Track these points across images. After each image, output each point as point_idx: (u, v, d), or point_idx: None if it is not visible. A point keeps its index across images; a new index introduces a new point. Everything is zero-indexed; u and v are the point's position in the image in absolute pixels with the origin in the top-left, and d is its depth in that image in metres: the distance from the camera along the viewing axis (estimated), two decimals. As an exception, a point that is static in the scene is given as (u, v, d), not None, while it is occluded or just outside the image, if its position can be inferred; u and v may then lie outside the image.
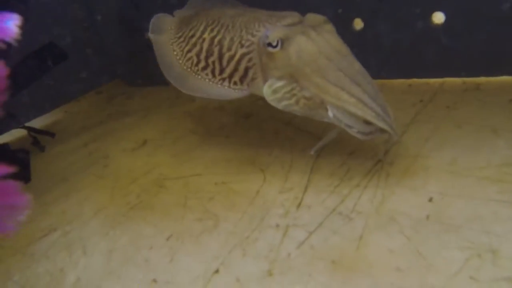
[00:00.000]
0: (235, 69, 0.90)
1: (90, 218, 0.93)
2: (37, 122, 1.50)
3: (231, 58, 0.90)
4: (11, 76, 1.17)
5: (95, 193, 1.03)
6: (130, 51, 1.64)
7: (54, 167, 1.20)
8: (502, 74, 1.06)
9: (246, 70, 0.89)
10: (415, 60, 1.15)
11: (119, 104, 1.58)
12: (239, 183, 0.92)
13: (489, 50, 1.05)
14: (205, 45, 0.96)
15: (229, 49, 0.91)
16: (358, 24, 1.16)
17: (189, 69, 0.98)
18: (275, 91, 0.84)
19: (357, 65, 0.81)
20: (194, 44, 0.98)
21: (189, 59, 0.99)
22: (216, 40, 0.94)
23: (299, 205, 0.81)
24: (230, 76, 0.91)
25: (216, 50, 0.93)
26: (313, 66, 0.79)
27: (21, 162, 1.08)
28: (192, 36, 1.00)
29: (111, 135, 1.32)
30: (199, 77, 0.96)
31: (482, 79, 1.08)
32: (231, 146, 1.08)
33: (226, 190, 0.91)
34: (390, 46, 1.15)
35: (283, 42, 0.81)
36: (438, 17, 1.07)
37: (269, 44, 0.82)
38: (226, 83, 0.92)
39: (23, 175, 1.08)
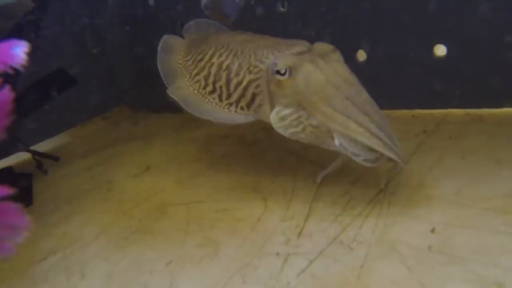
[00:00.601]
0: (242, 95, 0.91)
1: (91, 241, 0.93)
2: (43, 146, 1.51)
3: (239, 83, 0.91)
4: (20, 100, 1.19)
5: (97, 217, 1.02)
6: (137, 78, 1.66)
7: (57, 190, 1.20)
8: (505, 106, 1.07)
9: (253, 96, 0.90)
10: (418, 91, 1.16)
11: (124, 129, 1.59)
12: (240, 210, 0.92)
13: (492, 82, 1.05)
14: (213, 70, 0.97)
15: (237, 75, 0.92)
16: (361, 55, 1.18)
17: (196, 91, 0.99)
18: (282, 119, 0.84)
19: (364, 95, 0.81)
20: (202, 68, 1.00)
21: (196, 81, 1.00)
22: (224, 65, 0.95)
23: (300, 233, 0.80)
24: (237, 101, 0.92)
25: (224, 75, 0.94)
26: (320, 94, 0.79)
27: (23, 185, 1.08)
28: (201, 60, 1.02)
29: (115, 160, 1.32)
30: (206, 100, 0.97)
31: (485, 111, 1.09)
32: (234, 173, 1.08)
33: (228, 217, 0.91)
34: (393, 77, 1.17)
35: (291, 70, 0.82)
36: (441, 50, 1.09)
37: (278, 72, 0.83)
38: (233, 108, 0.93)
39: (25, 198, 1.08)
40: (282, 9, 1.25)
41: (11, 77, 0.61)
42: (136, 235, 0.91)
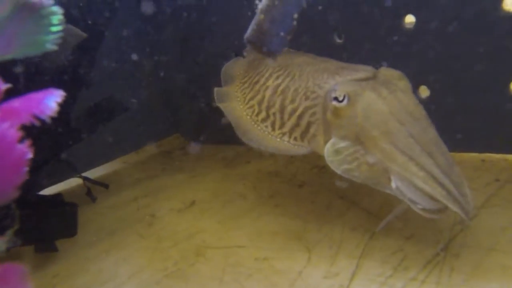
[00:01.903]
0: (297, 124, 0.85)
1: (124, 281, 0.89)
2: (96, 172, 1.54)
3: (294, 111, 0.85)
4: (72, 127, 1.20)
5: (135, 254, 0.99)
6: (192, 108, 1.65)
7: (102, 220, 1.20)
8: None
9: (308, 125, 0.83)
10: (490, 131, 1.02)
11: (175, 159, 1.58)
12: (281, 261, 0.84)
13: None
14: (268, 94, 0.91)
15: (292, 101, 0.86)
16: (424, 92, 1.07)
17: (249, 117, 0.94)
18: (337, 152, 0.76)
19: (431, 132, 0.72)
20: (257, 92, 0.94)
21: (250, 107, 0.95)
22: (279, 90, 0.89)
23: (344, 295, 0.71)
24: (291, 131, 0.86)
25: (278, 100, 0.88)
26: (381, 128, 0.71)
27: (68, 215, 1.08)
28: (256, 82, 0.97)
29: (162, 192, 1.30)
30: (259, 128, 0.91)
31: None
32: (280, 217, 1.01)
33: (267, 267, 0.83)
34: (460, 114, 1.04)
35: (350, 97, 0.74)
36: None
37: (335, 99, 0.76)
38: (286, 137, 0.87)
39: (69, 229, 1.08)
40: (338, 41, 1.17)
41: (33, 128, 0.58)
42: (169, 279, 0.86)
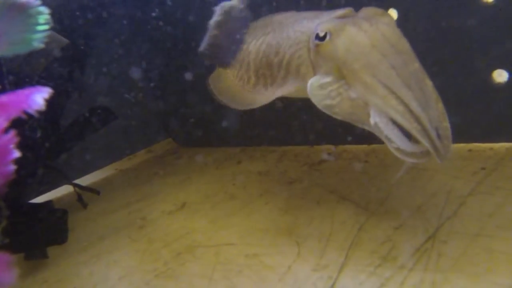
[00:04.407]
0: (287, 72, 0.83)
1: (114, 283, 0.89)
2: (88, 179, 1.54)
3: (280, 62, 0.84)
4: (62, 135, 1.20)
5: (126, 256, 0.99)
6: (182, 113, 1.65)
7: (93, 225, 1.19)
8: None
9: (298, 68, 0.81)
10: (476, 121, 1.03)
11: (167, 163, 1.57)
12: (271, 257, 0.84)
13: None
14: (252, 57, 0.90)
15: (277, 54, 0.85)
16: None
17: (242, 88, 0.94)
18: (320, 87, 0.74)
19: (415, 66, 0.69)
20: (242, 60, 0.94)
21: (240, 78, 0.94)
22: (262, 49, 0.88)
23: (332, 286, 0.71)
24: (284, 82, 0.84)
25: (263, 59, 0.87)
26: (362, 60, 0.69)
27: (58, 222, 1.07)
28: (241, 55, 0.96)
29: (153, 196, 1.30)
30: (254, 92, 0.91)
31: (559, 146, 0.94)
32: (270, 214, 1.00)
33: (257, 263, 0.83)
34: (445, 105, 1.04)
35: (331, 33, 0.73)
36: (502, 76, 0.96)
37: (317, 37, 0.74)
38: (279, 91, 0.86)
39: (60, 235, 1.08)
40: None
41: (23, 121, 0.59)
42: (158, 280, 0.86)
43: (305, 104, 1.27)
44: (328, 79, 0.73)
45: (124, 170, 1.59)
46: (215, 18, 0.98)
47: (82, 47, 1.30)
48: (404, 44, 0.71)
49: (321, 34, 0.74)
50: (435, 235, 0.76)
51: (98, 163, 1.61)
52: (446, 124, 0.68)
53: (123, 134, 1.62)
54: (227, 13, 0.99)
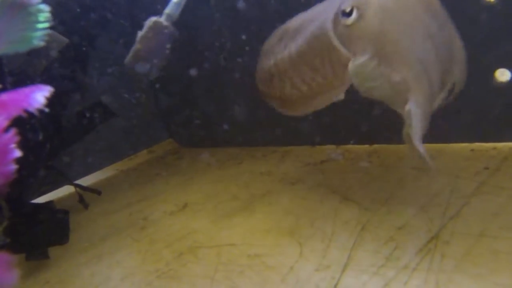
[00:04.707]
0: (333, 64, 0.79)
1: (116, 284, 0.88)
2: (89, 179, 1.54)
3: (322, 60, 0.80)
4: (62, 132, 1.20)
5: (127, 257, 0.98)
6: (184, 113, 1.65)
7: (95, 226, 1.19)
8: None
9: (339, 57, 0.76)
10: (479, 121, 1.02)
11: (169, 164, 1.57)
12: (273, 257, 0.83)
13: None
14: (292, 73, 0.87)
15: (315, 56, 0.81)
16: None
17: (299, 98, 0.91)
18: (361, 66, 0.69)
19: (448, 27, 0.66)
20: (282, 83, 0.91)
21: (291, 94, 0.91)
22: (296, 60, 0.85)
23: (335, 286, 0.70)
24: (335, 73, 0.80)
25: (305, 68, 0.84)
26: (399, 29, 0.65)
27: (60, 222, 1.07)
28: (271, 78, 0.93)
29: (155, 196, 1.29)
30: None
31: None
32: (272, 214, 1.00)
33: (259, 264, 0.82)
34: (447, 106, 1.04)
35: (358, 7, 0.67)
36: (505, 75, 0.95)
37: (344, 14, 0.69)
38: (337, 80, 0.82)
39: (61, 236, 1.07)
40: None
41: (23, 120, 0.59)
42: (160, 280, 0.85)
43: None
44: (364, 58, 0.68)
45: (125, 171, 1.59)
46: (140, 33, 1.03)
47: (82, 47, 1.30)
48: (438, 4, 0.67)
49: (348, 10, 0.68)
50: (438, 235, 0.76)
51: (100, 163, 1.61)
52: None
53: (124, 135, 1.62)
54: (151, 29, 1.04)
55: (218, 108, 1.54)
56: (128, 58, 1.06)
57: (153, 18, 1.05)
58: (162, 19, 1.06)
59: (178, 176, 1.42)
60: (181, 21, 1.44)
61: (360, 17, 0.68)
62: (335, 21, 0.73)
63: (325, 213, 0.93)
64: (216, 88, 1.49)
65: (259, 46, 1.03)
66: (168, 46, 1.06)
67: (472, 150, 1.02)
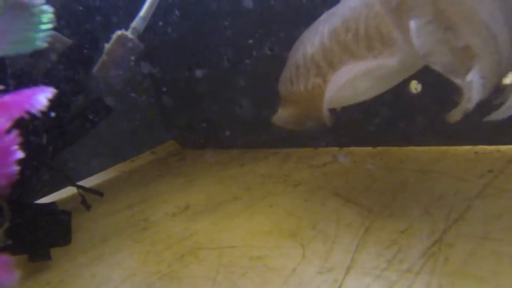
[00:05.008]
0: (370, 39, 0.71)
1: (117, 285, 0.88)
2: (92, 180, 1.54)
3: (356, 35, 0.73)
4: (64, 131, 1.21)
5: (128, 258, 0.98)
6: (187, 115, 1.65)
7: (96, 226, 1.19)
8: None
9: (379, 29, 0.70)
10: (482, 123, 1.01)
11: (171, 165, 1.57)
12: (275, 259, 0.83)
13: None
14: (320, 56, 0.80)
15: (347, 30, 0.74)
16: (414, 86, 1.06)
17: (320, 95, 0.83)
18: (422, 28, 0.62)
19: None
20: (307, 71, 0.85)
21: (313, 86, 0.84)
22: (326, 41, 0.78)
23: (338, 289, 0.70)
24: (370, 50, 0.72)
25: (335, 47, 0.77)
26: None
27: (62, 223, 1.07)
28: (297, 69, 0.87)
29: (156, 197, 1.29)
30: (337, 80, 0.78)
31: None
32: (273, 216, 1.00)
33: (261, 266, 0.82)
34: (450, 109, 1.03)
35: None
36: (509, 78, 0.95)
37: None
38: (373, 63, 0.73)
39: (63, 237, 1.07)
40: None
41: (25, 121, 0.59)
42: (162, 281, 0.85)
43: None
44: (423, 20, 0.62)
45: (128, 172, 1.59)
46: (107, 45, 1.10)
47: (86, 48, 1.30)
48: None
49: None
50: (442, 238, 0.75)
51: (102, 165, 1.61)
52: None
53: (127, 136, 1.62)
54: (117, 41, 1.10)
55: (221, 110, 1.53)
56: (95, 68, 1.12)
57: (119, 32, 1.11)
58: (128, 33, 1.13)
59: (180, 177, 1.42)
60: (182, 22, 1.45)
61: None
62: None
63: (328, 216, 0.93)
64: (219, 90, 1.49)
65: (263, 49, 1.03)
66: (133, 58, 1.12)
67: (476, 152, 1.02)
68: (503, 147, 1.00)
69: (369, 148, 1.22)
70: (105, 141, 1.53)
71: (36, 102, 0.57)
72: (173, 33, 1.51)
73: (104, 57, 1.10)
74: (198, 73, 1.51)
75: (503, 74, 0.60)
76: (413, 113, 1.05)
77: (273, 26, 1.26)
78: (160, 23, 1.51)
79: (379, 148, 1.20)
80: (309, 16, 0.95)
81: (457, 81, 0.62)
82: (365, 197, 0.96)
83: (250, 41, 1.31)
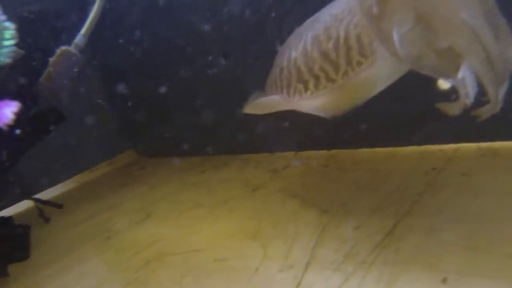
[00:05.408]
0: (349, 49, 0.72)
1: (83, 296, 0.89)
2: (49, 193, 1.51)
3: (337, 42, 0.73)
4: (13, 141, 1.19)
5: (94, 268, 0.99)
6: (145, 124, 1.66)
7: (57, 239, 1.18)
8: (519, 138, 1.00)
9: (359, 39, 0.70)
10: (426, 125, 1.10)
11: (131, 174, 1.57)
12: (239, 260, 0.86)
13: (505, 113, 0.99)
14: (300, 61, 0.80)
15: (328, 38, 0.74)
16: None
17: (302, 101, 0.84)
18: (405, 38, 0.63)
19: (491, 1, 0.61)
20: (289, 74, 0.84)
21: (295, 91, 0.83)
22: (308, 46, 0.78)
23: (299, 284, 0.74)
24: (349, 61, 0.72)
25: (316, 54, 0.77)
26: None
27: (20, 238, 1.05)
28: (281, 72, 0.87)
29: (119, 206, 1.30)
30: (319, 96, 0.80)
31: (499, 144, 1.02)
32: (235, 219, 1.03)
33: (225, 267, 0.85)
34: (399, 111, 1.11)
35: None
36: (444, 83, 1.03)
37: None
38: (350, 73, 0.73)
39: (22, 251, 1.06)
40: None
41: None
42: (129, 288, 0.86)
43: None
44: (408, 26, 0.63)
45: (87, 183, 1.58)
46: (52, 58, 1.22)
47: (39, 58, 1.30)
48: None
49: None
50: (392, 231, 0.81)
51: (59, 176, 1.59)
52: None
53: (84, 146, 1.60)
54: (61, 55, 1.22)
55: (180, 118, 1.55)
56: (41, 78, 1.21)
57: (63, 47, 1.23)
58: (71, 48, 1.26)
59: (141, 185, 1.43)
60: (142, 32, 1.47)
61: None
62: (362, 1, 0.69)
63: (287, 217, 0.98)
64: (178, 98, 1.51)
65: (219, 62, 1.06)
66: (76, 69, 1.25)
67: (421, 152, 1.10)
68: (445, 146, 1.09)
69: (324, 151, 1.28)
70: (61, 152, 1.51)
71: (3, 117, 0.58)
72: (136, 47, 1.52)
73: (50, 69, 1.21)
74: (158, 83, 1.53)
75: (501, 69, 0.60)
76: (360, 116, 1.12)
77: (228, 45, 1.31)
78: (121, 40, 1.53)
79: (333, 151, 1.27)
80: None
81: (449, 81, 0.64)
82: (322, 198, 1.01)
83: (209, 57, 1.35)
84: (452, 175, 0.96)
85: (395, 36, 0.64)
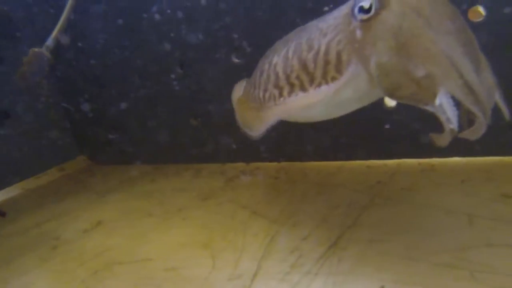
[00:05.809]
0: (327, 63, 0.72)
1: (26, 308, 0.86)
2: (-9, 200, 1.45)
3: (316, 54, 0.74)
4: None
5: (36, 279, 0.96)
6: (96, 130, 1.63)
7: None
8: (454, 155, 1.08)
9: (339, 56, 0.71)
10: (372, 141, 1.16)
11: (80, 182, 1.54)
12: (189, 269, 0.87)
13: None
14: (280, 67, 0.81)
15: (310, 49, 0.75)
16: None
17: (275, 107, 0.83)
18: (383, 68, 0.65)
19: (468, 32, 0.63)
20: (267, 78, 0.85)
21: (270, 97, 0.84)
22: (290, 54, 0.80)
23: (246, 294, 0.77)
24: (324, 74, 0.73)
25: (294, 61, 0.78)
26: (420, 23, 0.62)
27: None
28: (261, 74, 0.88)
29: (66, 215, 1.27)
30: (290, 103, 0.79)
31: (436, 160, 1.10)
32: (186, 229, 1.04)
33: (175, 276, 0.86)
34: (346, 127, 1.17)
35: (379, 1, 0.64)
36: (391, 101, 1.10)
37: (361, 11, 0.66)
38: (323, 86, 0.73)
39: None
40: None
41: None
42: (75, 299, 0.85)
43: (219, 122, 1.33)
44: (387, 57, 0.65)
45: (33, 190, 1.53)
46: (25, 58, 1.37)
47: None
48: (454, 9, 0.65)
49: (366, 6, 0.65)
50: (336, 242, 0.85)
51: (2, 182, 1.53)
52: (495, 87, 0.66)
53: (31, 151, 1.55)
54: (33, 56, 1.38)
55: (131, 126, 1.54)
56: (16, 76, 1.37)
57: (35, 49, 1.38)
58: (43, 49, 1.39)
59: (90, 193, 1.40)
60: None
61: (378, 12, 0.65)
62: (349, 20, 0.70)
63: (236, 227, 1.00)
64: (130, 106, 1.50)
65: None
66: (47, 68, 1.41)
67: (368, 166, 1.16)
68: (390, 161, 1.15)
69: (274, 163, 1.31)
70: (5, 156, 1.46)
71: None
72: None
73: (23, 67, 1.37)
74: (111, 91, 1.52)
75: (482, 94, 0.62)
76: (309, 129, 1.17)
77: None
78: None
79: (283, 163, 1.30)
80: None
81: (428, 108, 0.64)
82: (270, 209, 1.04)
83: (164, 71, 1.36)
84: (395, 189, 1.02)
85: (373, 66, 0.66)
